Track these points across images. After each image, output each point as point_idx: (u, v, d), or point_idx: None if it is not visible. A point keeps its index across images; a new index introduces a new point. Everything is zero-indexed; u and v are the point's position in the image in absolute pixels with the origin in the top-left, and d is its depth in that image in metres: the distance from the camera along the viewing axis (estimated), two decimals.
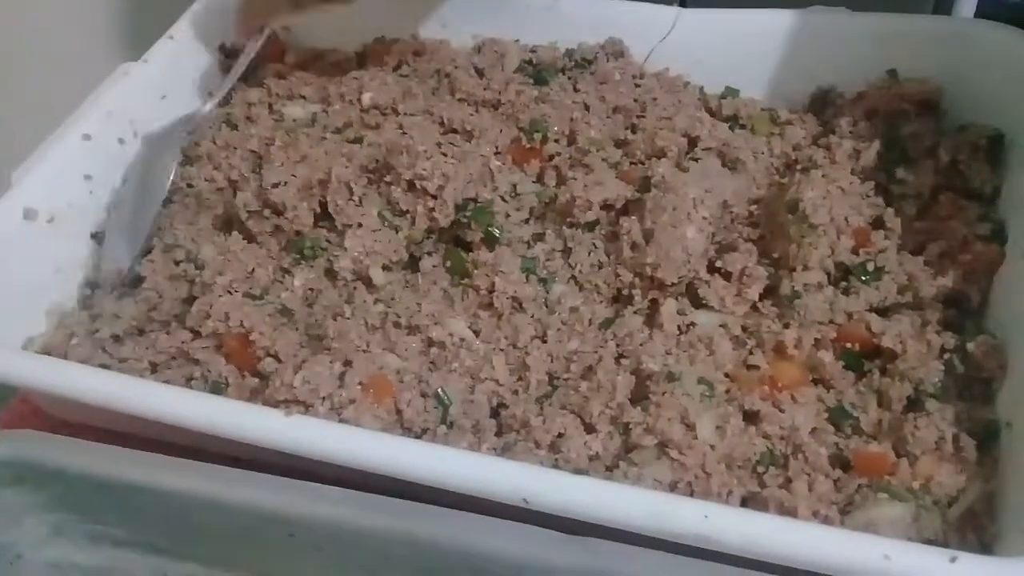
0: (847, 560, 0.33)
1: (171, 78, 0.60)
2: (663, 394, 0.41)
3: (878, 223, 0.49)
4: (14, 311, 0.50)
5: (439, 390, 0.42)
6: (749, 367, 0.44)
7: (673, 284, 0.46)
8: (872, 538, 0.34)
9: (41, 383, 0.44)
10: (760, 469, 0.40)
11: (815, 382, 0.44)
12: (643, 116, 0.56)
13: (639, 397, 0.42)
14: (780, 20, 0.57)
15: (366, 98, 0.57)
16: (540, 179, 0.53)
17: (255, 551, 0.43)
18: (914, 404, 0.42)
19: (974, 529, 0.37)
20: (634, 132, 0.55)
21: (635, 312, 0.46)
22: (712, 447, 0.40)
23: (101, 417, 0.46)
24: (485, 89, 0.58)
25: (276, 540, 0.40)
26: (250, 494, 0.39)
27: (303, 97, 0.60)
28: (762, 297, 0.46)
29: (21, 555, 0.47)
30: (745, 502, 0.39)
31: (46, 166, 0.53)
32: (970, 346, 0.42)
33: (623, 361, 0.44)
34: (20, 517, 0.46)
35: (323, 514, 0.38)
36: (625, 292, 0.47)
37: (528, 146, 0.53)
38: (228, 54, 0.64)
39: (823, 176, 0.49)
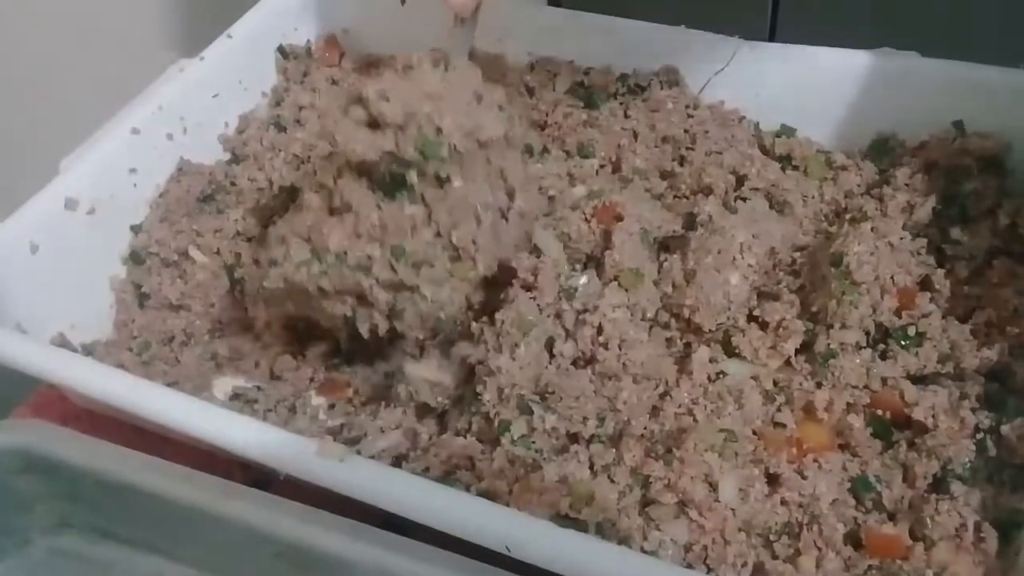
0: None
1: (226, 77, 0.61)
2: (687, 448, 0.39)
3: (925, 283, 0.47)
4: (44, 300, 0.50)
5: None
6: (776, 424, 0.42)
7: (710, 331, 0.44)
8: None
9: (59, 378, 0.45)
10: (773, 538, 0.38)
11: (841, 447, 0.42)
12: (692, 148, 0.54)
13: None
14: (846, 60, 0.55)
15: None
16: None
17: (247, 564, 0.43)
18: (940, 483, 0.40)
19: None
20: (681, 164, 0.53)
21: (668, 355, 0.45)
22: (733, 511, 0.38)
23: (121, 413, 0.46)
24: (533, 109, 0.57)
25: (265, 557, 0.40)
26: (241, 509, 0.39)
27: None
28: (797, 352, 0.44)
29: (30, 540, 0.48)
30: (754, 572, 0.38)
31: (93, 157, 0.54)
32: (1005, 428, 0.40)
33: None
34: (31, 504, 0.47)
35: (310, 538, 0.38)
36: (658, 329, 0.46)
37: None
38: (286, 55, 0.64)
39: (872, 229, 0.47)
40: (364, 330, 0.46)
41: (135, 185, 0.56)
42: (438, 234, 0.45)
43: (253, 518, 0.39)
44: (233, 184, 0.58)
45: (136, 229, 0.56)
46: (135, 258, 0.55)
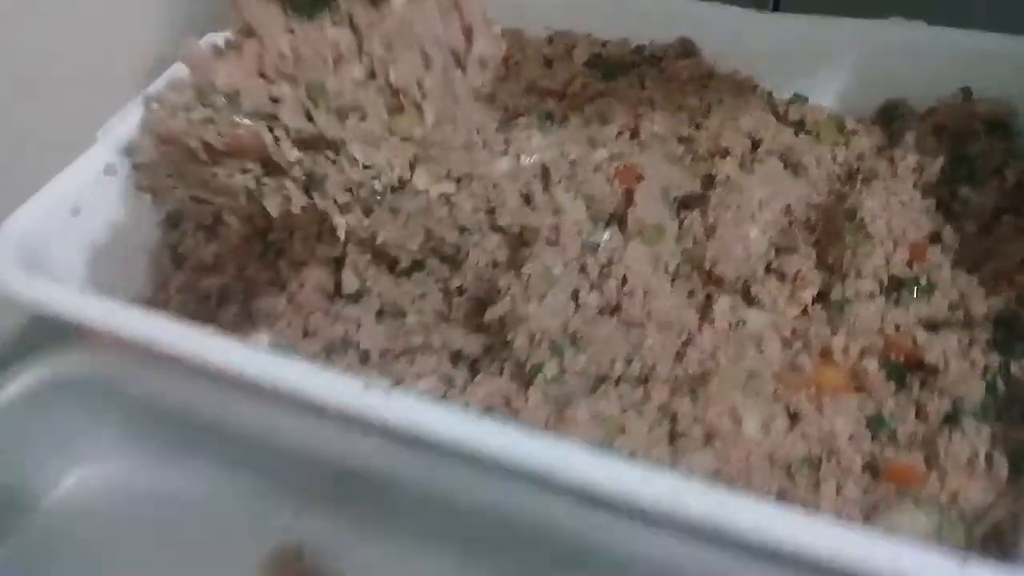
0: (859, 558, 0.33)
1: None
2: (711, 388, 0.41)
3: (935, 238, 0.48)
4: (83, 261, 0.52)
5: None
6: (795, 369, 0.44)
7: (731, 282, 0.46)
8: (887, 537, 0.34)
9: (113, 326, 0.47)
10: (795, 469, 0.40)
11: (857, 390, 0.44)
12: (707, 117, 0.56)
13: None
14: (856, 29, 0.57)
15: None
16: None
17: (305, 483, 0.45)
18: (951, 420, 0.42)
19: (998, 546, 0.37)
20: (698, 129, 0.55)
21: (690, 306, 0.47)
22: (756, 445, 0.40)
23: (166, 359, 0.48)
24: (551, 80, 0.59)
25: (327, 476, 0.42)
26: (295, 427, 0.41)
27: None
28: (813, 301, 0.46)
29: (87, 464, 0.51)
30: (777, 498, 0.40)
31: (126, 127, 0.56)
32: (1014, 367, 0.42)
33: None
34: (89, 429, 0.49)
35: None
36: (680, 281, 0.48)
37: None
38: None
39: (884, 188, 0.49)
40: (273, 207, 0.36)
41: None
42: (372, 74, 0.35)
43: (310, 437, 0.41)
44: None
45: None
46: (171, 221, 0.57)
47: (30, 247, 0.50)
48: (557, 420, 0.41)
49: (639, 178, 0.50)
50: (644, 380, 0.44)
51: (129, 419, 0.50)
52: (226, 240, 0.56)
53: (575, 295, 0.47)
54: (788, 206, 0.49)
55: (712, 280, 0.47)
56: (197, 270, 0.56)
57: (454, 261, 0.52)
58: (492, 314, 0.48)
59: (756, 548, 0.35)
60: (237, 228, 0.57)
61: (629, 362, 0.44)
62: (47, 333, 0.50)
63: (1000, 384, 0.42)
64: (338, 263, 0.54)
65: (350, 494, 0.46)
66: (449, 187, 0.53)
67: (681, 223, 0.49)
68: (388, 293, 0.53)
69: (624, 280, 0.46)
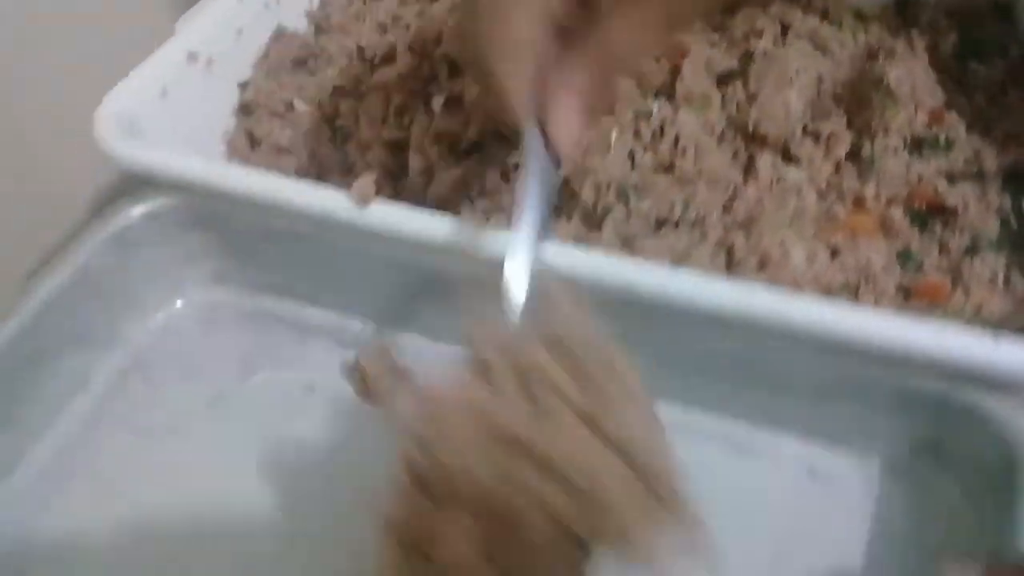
0: (901, 336, 0.39)
1: None
2: (761, 226, 0.47)
3: (950, 106, 0.54)
4: (170, 142, 0.57)
5: None
6: (830, 217, 0.50)
7: (772, 140, 0.52)
8: (926, 322, 0.40)
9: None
10: (836, 292, 0.46)
11: (885, 235, 0.50)
12: (738, 10, 0.61)
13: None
14: None
15: None
16: None
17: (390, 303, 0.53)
18: (971, 251, 0.48)
19: None
20: (732, 16, 0.60)
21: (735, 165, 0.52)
22: (802, 273, 0.46)
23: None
24: None
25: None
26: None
27: None
28: (845, 159, 0.52)
29: (185, 295, 0.57)
30: None
31: (205, 18, 0.60)
32: None
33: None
34: (185, 261, 0.55)
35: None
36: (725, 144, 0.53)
37: None
38: None
39: (904, 62, 0.55)
40: None
41: (240, 46, 0.62)
42: None
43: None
44: (323, 50, 0.65)
45: (243, 85, 0.62)
46: (245, 109, 0.61)
47: (125, 123, 0.54)
48: (626, 254, 0.47)
49: (684, 55, 0.55)
50: (700, 222, 0.49)
51: (221, 253, 0.56)
52: (298, 124, 0.61)
53: (631, 155, 0.52)
54: (820, 76, 0.54)
55: (755, 141, 0.53)
56: (272, 153, 0.60)
57: (512, 141, 0.57)
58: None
59: (818, 340, 0.41)
60: (308, 113, 0.61)
61: (686, 207, 0.49)
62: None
63: (1013, 221, 0.48)
64: (402, 146, 0.59)
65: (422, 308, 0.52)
66: None
67: (724, 94, 0.55)
68: (452, 171, 0.58)
69: (676, 140, 0.51)
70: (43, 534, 0.48)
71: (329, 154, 0.61)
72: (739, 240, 0.47)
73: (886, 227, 0.50)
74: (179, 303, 0.58)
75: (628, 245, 0.48)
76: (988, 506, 0.41)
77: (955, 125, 0.53)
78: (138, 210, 0.55)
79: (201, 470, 0.50)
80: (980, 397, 0.41)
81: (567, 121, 0.37)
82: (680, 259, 0.46)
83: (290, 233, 0.53)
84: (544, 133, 0.38)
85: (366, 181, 0.49)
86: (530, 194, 0.39)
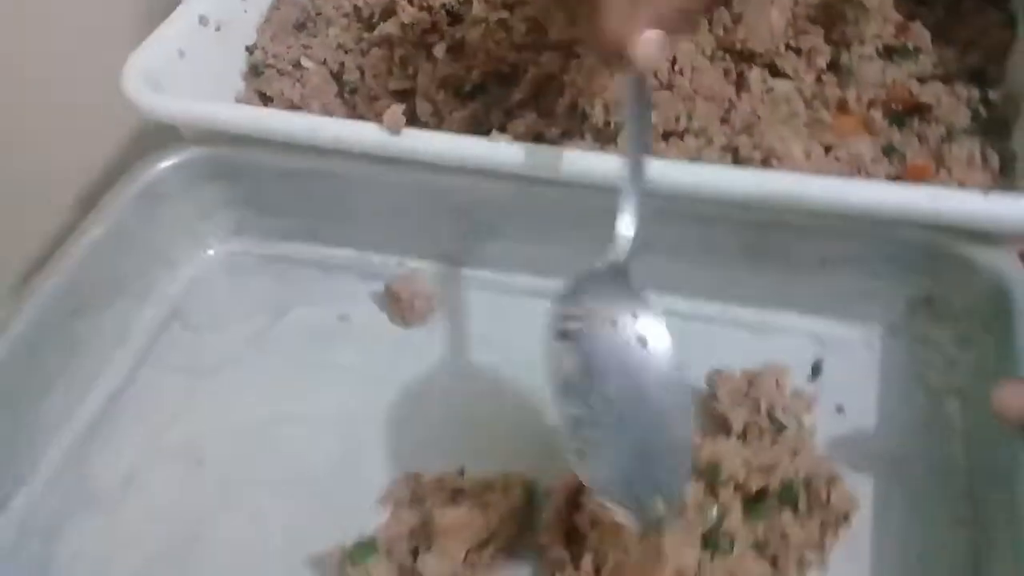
0: (905, 201, 0.44)
1: None
2: (760, 128, 0.52)
3: (913, 19, 0.59)
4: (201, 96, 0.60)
5: None
6: (818, 121, 0.55)
7: (760, 56, 0.56)
8: (920, 185, 0.45)
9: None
10: None
11: (868, 135, 0.55)
12: None
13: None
14: None
15: None
16: None
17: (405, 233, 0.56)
18: (948, 139, 0.53)
19: None
20: None
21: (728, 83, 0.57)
22: (802, 166, 0.51)
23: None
24: None
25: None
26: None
27: None
28: (826, 69, 0.57)
29: (208, 246, 0.60)
30: None
31: None
32: (992, 94, 0.53)
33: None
34: (211, 212, 0.58)
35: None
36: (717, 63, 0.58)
37: None
38: None
39: None
40: None
41: (245, 11, 0.65)
42: None
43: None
44: (319, 14, 0.68)
45: (251, 48, 0.65)
46: (255, 71, 0.64)
47: (151, 79, 0.57)
48: None
49: None
50: (704, 132, 0.54)
51: (246, 202, 0.59)
52: (307, 81, 0.64)
53: None
54: (796, 1, 0.59)
55: (743, 58, 0.57)
56: (284, 109, 0.63)
57: (512, 80, 0.61)
58: (564, 102, 0.57)
59: (824, 213, 0.46)
60: (315, 70, 0.64)
61: (690, 118, 0.54)
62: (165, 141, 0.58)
63: (982, 110, 0.54)
64: (408, 94, 0.63)
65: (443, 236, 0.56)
66: (504, 13, 0.62)
67: (711, 19, 0.59)
68: (459, 114, 0.61)
69: (673, 62, 0.56)
70: (100, 476, 0.50)
71: (339, 108, 0.64)
72: (743, 141, 0.52)
73: (869, 127, 0.55)
74: (209, 252, 0.61)
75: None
76: (983, 350, 0.46)
77: (920, 34, 0.58)
78: (165, 163, 0.58)
79: (248, 402, 0.53)
80: (970, 249, 0.46)
81: (649, 44, 0.39)
82: (691, 160, 0.50)
83: (315, 174, 0.56)
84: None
85: (395, 111, 0.52)
86: (635, 122, 0.42)
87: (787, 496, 0.42)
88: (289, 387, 0.53)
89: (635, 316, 0.40)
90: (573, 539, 0.43)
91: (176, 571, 0.45)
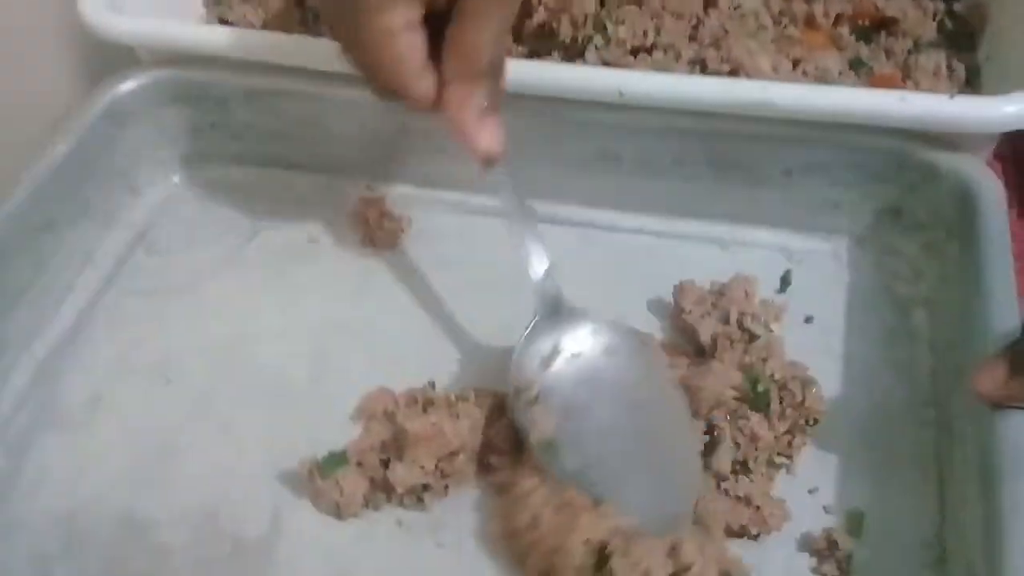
0: (873, 105, 0.44)
1: None
2: (729, 41, 0.51)
3: None
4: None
5: None
6: (786, 37, 0.55)
7: None
8: (891, 91, 0.45)
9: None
10: None
11: (837, 49, 0.55)
12: None
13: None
14: None
15: None
16: None
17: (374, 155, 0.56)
18: (915, 52, 0.53)
19: None
20: None
21: None
22: (770, 78, 0.50)
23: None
24: None
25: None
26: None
27: None
28: None
29: (172, 171, 0.60)
30: None
31: None
32: (957, 6, 0.54)
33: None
34: (176, 136, 0.58)
35: None
36: None
37: None
38: None
39: None
40: None
41: None
42: None
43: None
44: None
45: None
46: None
47: (107, 1, 0.56)
48: None
49: None
50: (672, 47, 0.53)
51: (211, 126, 0.58)
52: (268, 7, 0.63)
53: None
54: None
55: None
56: None
57: None
58: (532, 23, 0.56)
59: (789, 119, 0.46)
60: None
61: (658, 33, 0.53)
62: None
63: (948, 22, 0.54)
64: None
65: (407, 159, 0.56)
66: None
67: None
68: None
69: None
70: (68, 395, 0.50)
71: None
72: (710, 54, 0.51)
73: (836, 42, 0.55)
74: (174, 178, 0.60)
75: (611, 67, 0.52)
76: (949, 257, 0.46)
77: None
78: (128, 86, 0.57)
79: (216, 321, 0.52)
80: (936, 155, 0.46)
81: (484, 126, 0.38)
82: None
83: (281, 95, 0.55)
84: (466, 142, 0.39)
85: None
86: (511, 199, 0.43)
87: (760, 400, 0.42)
88: (258, 307, 0.53)
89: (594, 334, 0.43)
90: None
91: (146, 486, 0.45)
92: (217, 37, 0.55)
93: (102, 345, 0.52)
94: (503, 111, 0.40)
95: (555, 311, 0.44)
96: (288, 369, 0.49)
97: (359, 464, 0.43)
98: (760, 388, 0.43)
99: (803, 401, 0.42)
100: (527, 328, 0.43)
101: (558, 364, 0.43)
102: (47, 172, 0.53)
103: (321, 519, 0.43)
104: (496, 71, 0.39)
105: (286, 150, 0.59)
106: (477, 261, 0.52)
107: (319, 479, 0.43)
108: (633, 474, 0.40)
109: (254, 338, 0.51)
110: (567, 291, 0.45)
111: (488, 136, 0.38)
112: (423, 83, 0.38)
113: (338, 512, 0.43)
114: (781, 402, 0.42)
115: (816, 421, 0.43)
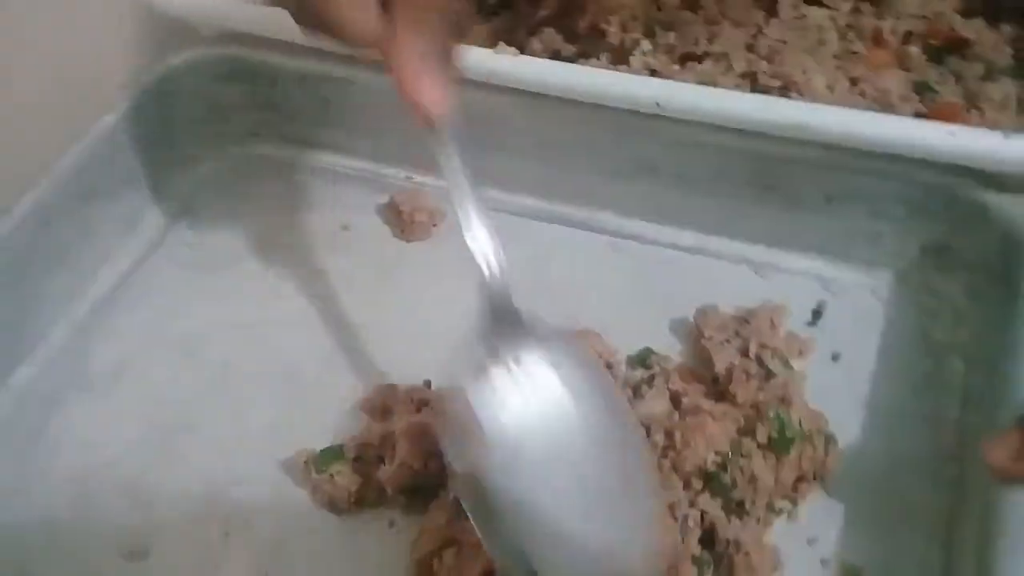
0: (919, 137, 0.41)
1: None
2: (784, 54, 0.49)
3: None
4: None
5: None
6: (850, 53, 0.52)
7: None
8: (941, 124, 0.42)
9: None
10: None
11: (903, 69, 0.52)
12: None
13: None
14: None
15: None
16: None
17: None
18: (986, 79, 0.49)
19: None
20: None
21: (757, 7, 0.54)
22: (824, 99, 0.48)
23: None
24: None
25: None
26: None
27: None
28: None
29: (224, 149, 0.61)
30: None
31: None
32: None
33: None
34: (227, 113, 0.58)
35: None
36: None
37: None
38: None
39: None
40: None
41: None
42: None
43: None
44: None
45: None
46: None
47: None
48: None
49: None
50: (725, 57, 0.51)
51: (262, 105, 0.59)
52: None
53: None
54: None
55: None
56: None
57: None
58: (584, 23, 0.55)
59: (833, 144, 0.43)
60: None
61: (711, 42, 0.51)
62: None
63: None
64: None
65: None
66: None
67: None
68: (482, 30, 0.60)
69: None
70: (97, 359, 0.51)
71: None
72: (763, 68, 0.49)
73: (903, 62, 0.52)
74: (222, 153, 0.61)
75: (656, 77, 0.50)
76: (992, 302, 0.43)
77: None
78: (182, 61, 0.57)
79: (245, 301, 0.53)
80: (987, 195, 0.43)
81: (426, 80, 0.35)
82: (706, 84, 0.48)
83: (331, 80, 0.55)
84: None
85: None
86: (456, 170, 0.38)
87: (782, 444, 0.40)
88: (285, 290, 0.53)
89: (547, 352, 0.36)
90: None
91: (156, 459, 0.46)
92: (271, 18, 0.55)
93: (135, 313, 0.53)
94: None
95: (504, 315, 0.37)
96: (304, 356, 0.50)
97: (354, 460, 0.43)
98: (788, 434, 0.41)
99: (823, 460, 0.41)
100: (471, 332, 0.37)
101: (498, 380, 0.35)
102: (97, 140, 0.54)
103: (318, 513, 0.44)
104: (450, 28, 0.36)
105: (333, 135, 0.59)
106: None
107: (314, 472, 0.43)
108: (574, 527, 0.33)
109: (276, 322, 0.51)
110: (592, 299, 0.45)
111: (429, 91, 0.35)
112: (364, 16, 0.34)
113: (332, 507, 0.43)
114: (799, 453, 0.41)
115: (825, 477, 0.41)
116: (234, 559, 0.42)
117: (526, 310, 0.37)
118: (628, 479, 0.36)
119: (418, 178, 0.57)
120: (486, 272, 0.37)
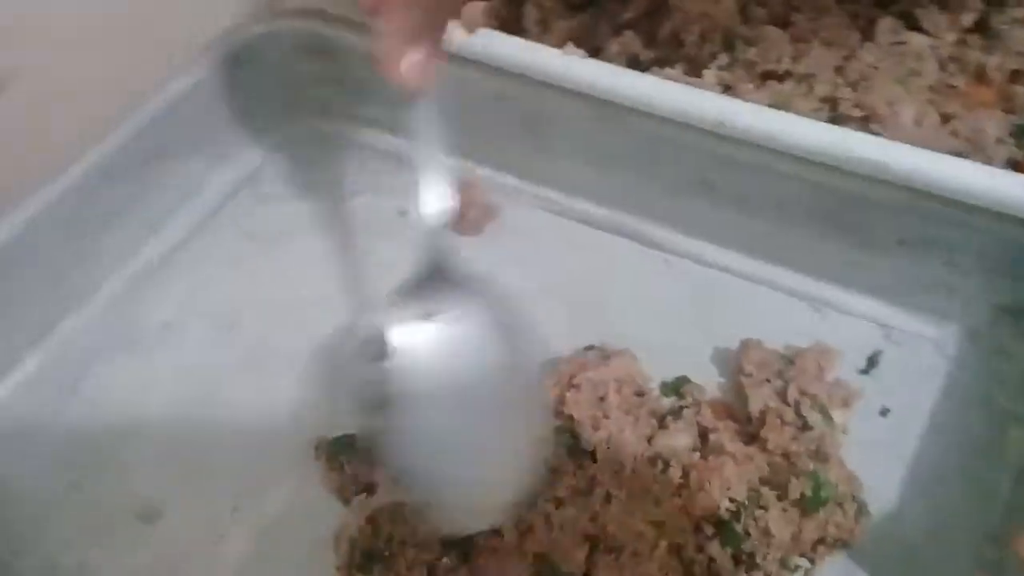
0: (997, 187, 0.38)
1: None
2: (873, 80, 0.46)
3: None
4: None
5: None
6: (949, 87, 0.48)
7: (897, 2, 0.50)
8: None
9: None
10: None
11: (1005, 111, 0.48)
12: None
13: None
14: None
15: None
16: None
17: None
18: None
19: None
20: None
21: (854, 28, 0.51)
22: (909, 134, 0.44)
23: None
24: None
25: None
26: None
27: None
28: (972, 29, 0.49)
29: (296, 120, 0.60)
30: None
31: None
32: None
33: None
34: (300, 87, 0.59)
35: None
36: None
37: None
38: None
39: None
40: None
41: None
42: None
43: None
44: None
45: None
46: None
47: None
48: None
49: None
50: (808, 79, 0.48)
51: (335, 82, 0.58)
52: None
53: (742, 8, 0.51)
54: None
55: (877, 2, 0.50)
56: None
57: None
58: (665, 29, 0.52)
59: (911, 187, 0.40)
60: None
61: (795, 60, 0.48)
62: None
63: None
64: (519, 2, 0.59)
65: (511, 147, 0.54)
66: None
67: None
68: (566, 23, 0.58)
69: None
70: (143, 320, 0.51)
71: None
72: (846, 94, 0.46)
73: (1006, 101, 0.48)
74: (289, 127, 0.61)
75: (729, 93, 0.47)
76: None
77: None
78: (256, 32, 0.57)
79: (291, 278, 0.53)
80: None
81: (407, 52, 0.38)
82: (780, 106, 0.45)
83: None
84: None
85: (473, 8, 0.49)
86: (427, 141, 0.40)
87: (813, 503, 0.38)
88: (331, 273, 0.53)
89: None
90: None
91: (181, 427, 0.46)
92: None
93: (184, 278, 0.54)
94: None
95: (440, 271, 0.40)
96: (335, 341, 0.49)
97: (366, 451, 0.43)
98: (823, 494, 0.38)
99: (851, 528, 0.38)
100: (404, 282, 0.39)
101: (421, 330, 0.38)
102: (168, 101, 0.54)
103: (326, 499, 0.43)
104: (441, 6, 0.38)
105: (401, 118, 0.58)
106: (552, 264, 0.50)
107: (325, 461, 0.43)
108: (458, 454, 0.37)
109: (316, 302, 0.51)
110: (637, 315, 0.44)
111: (408, 63, 0.38)
112: None
113: (340, 494, 0.43)
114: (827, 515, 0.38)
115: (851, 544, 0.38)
116: (236, 534, 0.42)
117: (459, 267, 0.40)
118: (508, 421, 0.38)
119: (479, 170, 0.56)
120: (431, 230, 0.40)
